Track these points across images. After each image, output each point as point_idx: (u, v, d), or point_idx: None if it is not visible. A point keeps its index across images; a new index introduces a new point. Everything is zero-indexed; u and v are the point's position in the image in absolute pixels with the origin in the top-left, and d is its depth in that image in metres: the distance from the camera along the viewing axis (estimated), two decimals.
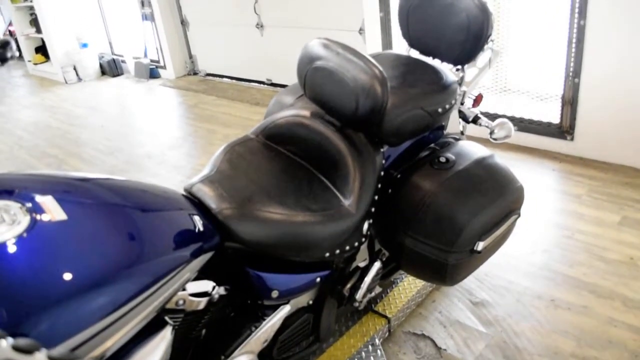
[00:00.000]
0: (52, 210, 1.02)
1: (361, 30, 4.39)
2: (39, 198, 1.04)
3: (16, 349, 0.54)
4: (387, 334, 2.11)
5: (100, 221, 1.09)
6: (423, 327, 2.14)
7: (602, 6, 2.88)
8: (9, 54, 1.21)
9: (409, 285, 2.25)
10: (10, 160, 4.57)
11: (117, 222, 1.13)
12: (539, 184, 3.08)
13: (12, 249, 0.92)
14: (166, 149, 4.37)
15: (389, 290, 2.23)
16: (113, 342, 0.99)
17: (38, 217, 0.99)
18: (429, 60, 1.98)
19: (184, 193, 1.44)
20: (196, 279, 1.26)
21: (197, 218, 1.29)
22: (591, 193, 2.91)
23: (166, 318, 1.19)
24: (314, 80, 1.63)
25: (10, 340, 0.54)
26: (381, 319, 2.10)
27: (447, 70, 1.90)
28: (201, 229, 1.28)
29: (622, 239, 2.51)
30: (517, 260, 2.44)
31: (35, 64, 7.69)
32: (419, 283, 2.25)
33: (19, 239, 0.94)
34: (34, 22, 7.33)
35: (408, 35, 2.01)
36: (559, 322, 2.09)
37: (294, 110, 1.77)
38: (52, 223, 1.00)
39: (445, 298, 2.28)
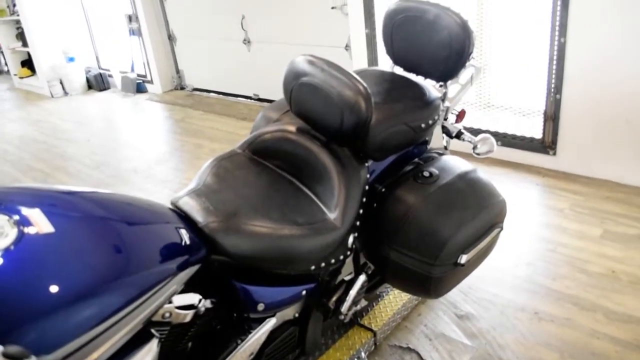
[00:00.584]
0: (40, 223, 1.03)
1: (347, 47, 4.44)
2: (26, 211, 1.05)
3: (6, 356, 0.55)
4: (373, 347, 2.12)
5: (87, 234, 1.10)
6: (409, 340, 2.16)
7: (582, 24, 2.94)
8: None
9: (394, 299, 2.27)
10: None
11: (104, 234, 1.14)
12: (523, 198, 3.12)
13: (1, 260, 0.93)
14: (153, 163, 4.37)
15: (374, 304, 2.24)
16: (99, 354, 1.00)
17: (26, 229, 1.00)
18: (412, 76, 2.01)
19: (171, 206, 1.46)
20: (182, 291, 1.27)
21: (183, 231, 1.31)
22: (574, 207, 2.95)
23: (152, 330, 1.19)
24: (300, 96, 1.66)
25: (0, 347, 0.56)
26: (367, 332, 2.11)
27: (431, 87, 1.94)
28: (187, 242, 1.29)
29: (604, 252, 2.55)
30: (501, 273, 2.47)
31: (21, 77, 7.66)
32: (405, 296, 2.27)
33: (7, 251, 0.95)
34: (20, 36, 7.31)
35: (392, 52, 2.05)
36: (543, 334, 2.11)
37: (280, 125, 1.79)
38: (40, 235, 1.01)
39: (431, 311, 2.30)
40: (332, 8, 4.38)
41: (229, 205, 1.45)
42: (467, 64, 1.90)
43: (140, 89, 6.64)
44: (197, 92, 6.29)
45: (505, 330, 2.15)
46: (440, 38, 1.83)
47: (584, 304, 2.24)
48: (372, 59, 4.10)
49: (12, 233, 0.98)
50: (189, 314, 1.29)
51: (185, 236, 1.29)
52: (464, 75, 2.00)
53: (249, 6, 5.17)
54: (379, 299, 2.27)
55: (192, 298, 1.31)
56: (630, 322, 2.12)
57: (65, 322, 0.94)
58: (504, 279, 2.44)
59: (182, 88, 6.49)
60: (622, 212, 2.84)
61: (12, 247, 0.95)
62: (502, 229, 1.86)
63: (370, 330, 2.12)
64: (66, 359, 0.92)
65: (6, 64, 7.41)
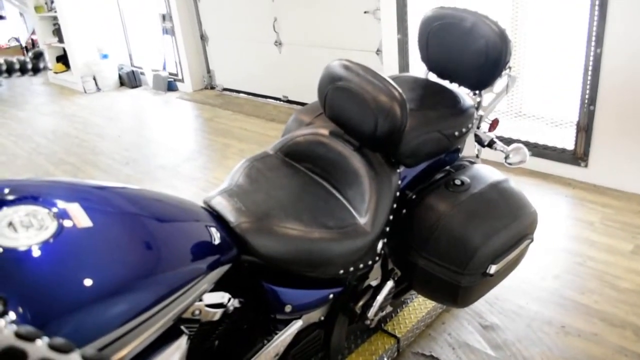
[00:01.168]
0: (79, 217, 1.05)
1: (378, 51, 4.44)
2: (65, 205, 1.07)
3: (53, 347, 0.56)
4: (396, 353, 2.11)
5: (123, 230, 1.12)
6: (432, 349, 2.14)
7: (619, 35, 2.90)
8: (41, 65, 1.25)
9: (419, 306, 2.25)
10: (28, 166, 4.64)
11: (139, 231, 1.16)
12: (552, 210, 3.08)
13: (41, 252, 0.95)
14: (181, 161, 4.42)
15: (399, 310, 2.24)
16: (131, 348, 1.01)
17: (65, 223, 1.02)
18: (447, 84, 2.01)
19: (203, 205, 1.47)
20: (212, 290, 1.29)
21: (215, 231, 1.32)
22: (604, 220, 2.91)
23: (182, 327, 1.21)
24: (334, 100, 1.66)
25: (46, 339, 0.57)
26: (390, 339, 2.11)
27: (465, 95, 1.93)
28: (219, 241, 1.30)
29: (635, 268, 2.50)
30: (528, 285, 2.44)
31: (56, 72, 7.83)
32: (429, 304, 2.26)
33: (47, 244, 0.97)
34: (57, 32, 7.47)
35: (427, 58, 2.04)
36: (569, 349, 2.08)
37: (313, 128, 1.80)
38: (79, 229, 1.03)
39: (455, 320, 2.28)
40: (365, 12, 4.38)
41: (260, 206, 1.47)
42: (503, 73, 1.89)
43: (171, 87, 6.72)
44: (227, 92, 6.35)
45: (530, 343, 2.13)
46: (477, 46, 1.82)
47: (613, 320, 2.20)
48: (404, 64, 4.09)
49: (52, 226, 1.00)
50: (218, 312, 1.30)
51: (216, 235, 1.31)
52: (499, 84, 1.99)
53: (281, 8, 5.20)
54: (404, 306, 2.26)
55: (222, 297, 1.32)
56: None
57: (100, 316, 0.96)
58: (531, 291, 2.41)
59: (212, 88, 6.56)
60: None
61: (51, 240, 0.97)
62: (532, 240, 1.83)
63: (394, 336, 2.11)
64: (107, 355, 0.94)
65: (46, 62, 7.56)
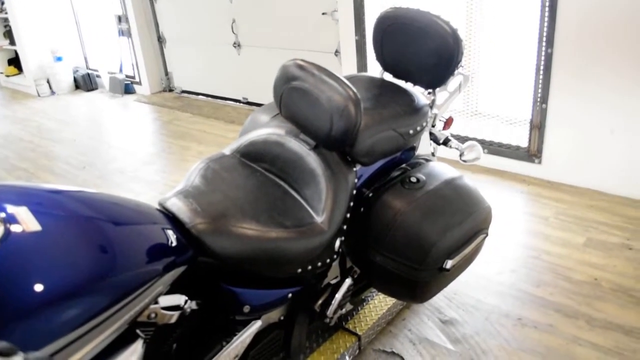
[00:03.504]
0: (27, 221, 1.03)
1: (337, 52, 4.46)
2: (13, 209, 1.04)
3: None
4: (357, 351, 2.12)
5: (74, 233, 1.10)
6: (393, 345, 2.17)
7: (569, 35, 2.99)
8: None
9: (379, 303, 2.27)
10: None
11: (90, 234, 1.13)
12: (508, 206, 3.15)
13: None
14: (139, 164, 4.35)
15: (359, 308, 2.25)
16: (85, 352, 0.99)
17: (12, 227, 0.99)
18: (401, 83, 2.03)
19: (158, 207, 1.45)
20: (168, 292, 1.27)
21: (170, 232, 1.31)
22: (558, 215, 2.99)
23: (137, 331, 1.19)
24: (290, 100, 1.67)
25: None
26: (351, 336, 2.12)
27: (419, 94, 1.96)
28: (174, 243, 1.29)
29: (587, 260, 2.58)
30: (486, 280, 2.50)
31: (8, 75, 7.58)
32: (390, 301, 2.28)
33: None
34: (8, 34, 7.24)
35: (382, 58, 2.06)
36: (526, 341, 2.13)
37: (270, 128, 1.80)
38: (27, 233, 1.01)
39: (415, 316, 2.31)
40: (323, 14, 4.40)
41: (216, 207, 1.46)
42: (456, 71, 1.92)
43: (128, 90, 6.60)
44: (186, 95, 6.27)
45: (488, 336, 2.17)
46: (430, 46, 1.85)
47: (567, 311, 2.27)
48: (362, 65, 4.12)
49: None
50: (175, 315, 1.28)
51: (172, 237, 1.29)
52: (453, 82, 2.03)
53: (239, 9, 5.17)
54: (364, 303, 2.27)
55: (178, 299, 1.31)
56: (611, 329, 2.15)
57: (51, 321, 0.94)
58: (488, 285, 2.47)
59: (171, 90, 6.47)
60: (605, 221, 2.88)
61: None
62: (487, 235, 1.88)
63: (355, 334, 2.12)
64: (51, 357, 0.91)
65: None
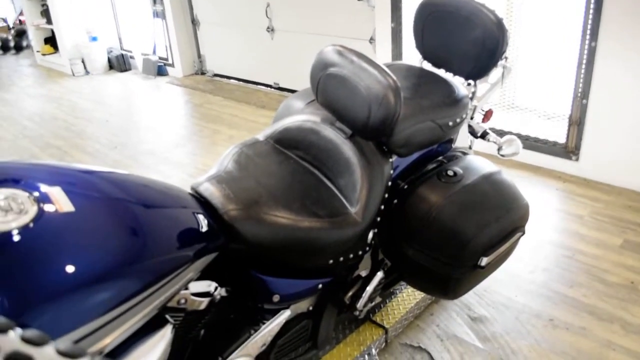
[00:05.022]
0: (60, 201, 1.01)
1: (372, 40, 4.39)
2: (46, 188, 1.03)
3: (25, 340, 0.53)
4: (384, 344, 2.10)
5: (107, 215, 1.08)
6: (420, 340, 2.13)
7: (613, 28, 2.88)
8: (24, 43, 1.21)
9: (408, 297, 2.24)
10: (14, 149, 4.56)
11: (123, 217, 1.12)
12: (542, 203, 3.08)
13: (18, 238, 0.91)
14: (170, 146, 4.36)
15: (387, 301, 2.22)
16: (114, 337, 0.98)
17: (45, 207, 0.98)
18: (441, 73, 1.98)
19: (191, 191, 1.44)
20: (199, 278, 1.26)
21: (202, 217, 1.29)
22: (594, 214, 2.90)
23: (167, 316, 1.18)
24: (327, 87, 1.63)
25: (19, 331, 0.53)
26: (378, 329, 2.09)
27: (459, 84, 1.91)
28: (206, 228, 1.27)
29: (623, 262, 2.50)
30: (518, 278, 2.44)
31: (44, 54, 7.68)
32: (418, 295, 2.24)
33: (25, 228, 0.92)
34: (45, 13, 7.33)
35: (422, 46, 2.01)
36: (557, 342, 2.08)
37: (305, 115, 1.77)
38: (60, 214, 0.99)
39: (444, 312, 2.27)
40: (359, 0, 4.33)
41: (249, 194, 1.43)
42: (499, 63, 1.86)
43: (161, 71, 6.63)
44: (218, 78, 6.27)
45: (518, 336, 2.12)
46: (474, 35, 1.79)
47: (601, 314, 2.20)
48: (397, 53, 4.05)
49: (31, 210, 0.95)
50: (204, 301, 1.27)
51: (204, 223, 1.27)
52: (494, 74, 1.97)
53: None
54: (393, 297, 2.24)
55: (208, 285, 1.29)
56: None
57: (82, 304, 0.92)
58: (519, 283, 2.41)
59: (203, 73, 6.48)
60: None
61: (31, 225, 0.93)
62: (523, 233, 1.82)
63: (382, 327, 2.10)
64: (80, 342, 0.90)
65: (29, 40, 7.41)
